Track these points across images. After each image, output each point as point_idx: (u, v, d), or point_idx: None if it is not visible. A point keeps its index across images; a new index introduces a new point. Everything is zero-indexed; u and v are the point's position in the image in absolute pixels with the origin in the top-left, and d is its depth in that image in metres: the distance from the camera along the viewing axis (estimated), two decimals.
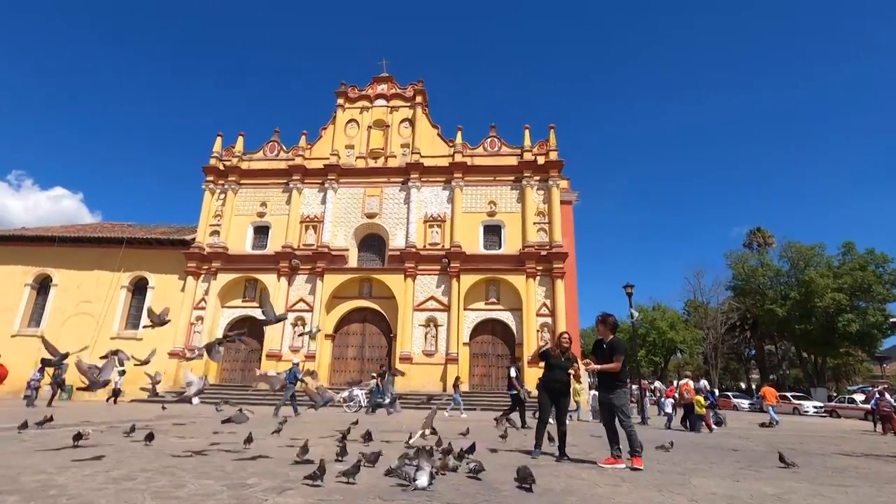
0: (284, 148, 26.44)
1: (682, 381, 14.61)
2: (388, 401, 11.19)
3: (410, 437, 6.25)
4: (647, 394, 20.70)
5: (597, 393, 15.27)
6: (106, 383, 5.52)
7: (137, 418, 9.96)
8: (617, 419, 5.56)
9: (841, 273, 32.20)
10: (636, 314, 28.75)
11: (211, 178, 25.33)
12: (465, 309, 22.25)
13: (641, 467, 5.14)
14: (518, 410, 11.69)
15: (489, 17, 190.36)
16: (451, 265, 22.46)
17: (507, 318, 22.28)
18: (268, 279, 23.25)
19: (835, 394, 35.35)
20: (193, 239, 23.96)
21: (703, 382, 15.12)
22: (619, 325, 6.38)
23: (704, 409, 13.23)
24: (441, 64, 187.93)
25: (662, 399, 19.46)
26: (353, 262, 24.15)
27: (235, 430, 7.75)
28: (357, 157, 25.86)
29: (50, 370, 16.24)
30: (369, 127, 26.47)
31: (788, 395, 28.93)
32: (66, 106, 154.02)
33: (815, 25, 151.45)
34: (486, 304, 22.59)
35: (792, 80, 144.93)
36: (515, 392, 11.83)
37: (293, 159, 25.62)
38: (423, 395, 18.53)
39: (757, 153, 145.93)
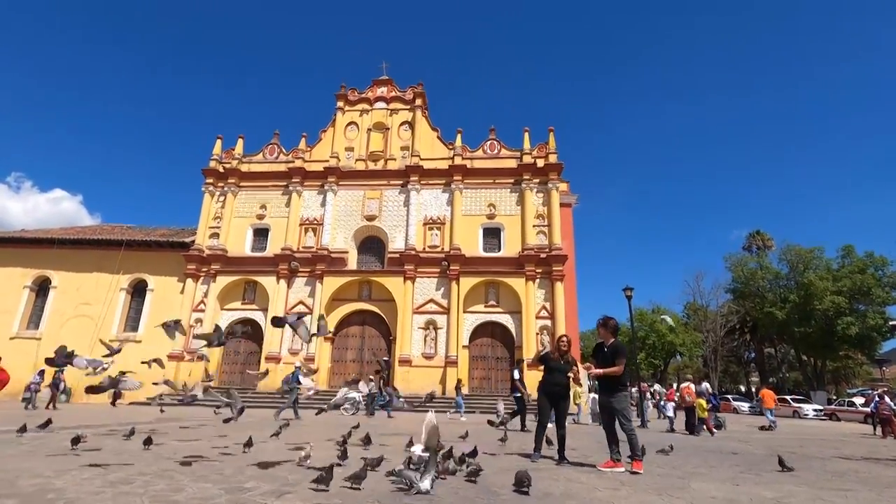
0: (284, 150, 26.48)
1: (683, 385, 14.58)
2: (394, 400, 11.04)
3: (411, 444, 6.21)
4: (647, 397, 20.68)
5: (596, 396, 15.26)
6: (116, 384, 5.48)
7: (136, 421, 9.93)
8: (617, 422, 5.55)
9: (840, 276, 32.22)
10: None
11: (210, 181, 25.35)
12: (464, 311, 22.25)
13: (641, 471, 5.13)
14: (519, 413, 11.66)
15: (488, 17, 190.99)
16: (451, 268, 22.46)
17: (506, 320, 22.27)
18: (267, 281, 23.25)
19: (834, 397, 35.30)
20: (193, 241, 23.96)
21: (706, 385, 15.09)
22: (619, 328, 6.36)
23: (707, 413, 13.22)
24: (441, 66, 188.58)
25: (663, 403, 19.45)
26: (352, 264, 24.15)
27: (235, 433, 7.74)
28: (357, 160, 25.89)
29: (51, 371, 16.22)
30: (369, 129, 26.51)
31: (788, 398, 28.91)
32: (66, 108, 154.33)
33: (815, 25, 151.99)
34: (485, 306, 22.59)
35: (792, 80, 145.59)
36: (519, 394, 11.80)
37: (293, 162, 25.66)
38: (421, 398, 18.46)
39: (757, 154, 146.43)
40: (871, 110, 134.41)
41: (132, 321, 23.71)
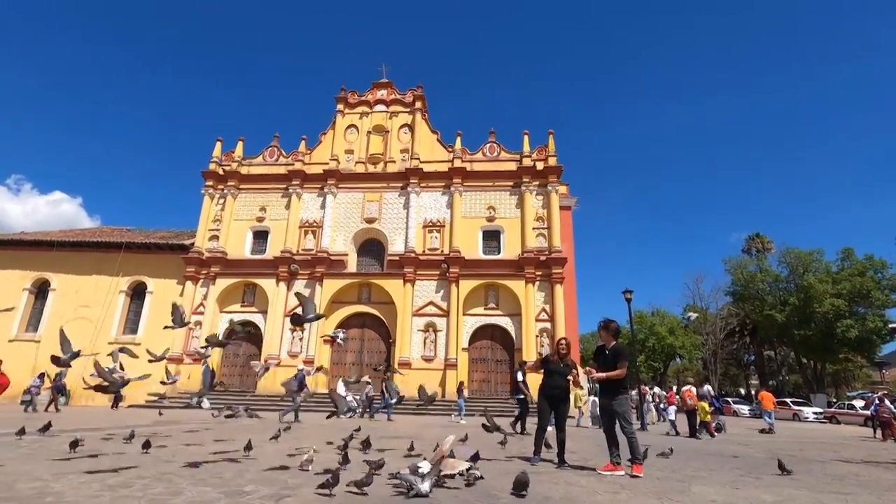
0: (284, 153, 26.52)
1: (684, 388, 14.57)
2: (393, 401, 10.93)
3: (412, 448, 6.19)
4: (647, 399, 20.66)
5: (596, 399, 15.23)
6: (125, 384, 5.42)
7: (135, 424, 9.91)
8: (618, 425, 5.53)
9: (840, 279, 32.24)
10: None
11: (210, 183, 25.36)
12: (464, 314, 22.24)
13: (641, 475, 5.12)
14: (521, 415, 11.64)
15: (488, 18, 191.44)
16: (451, 270, 22.46)
17: (506, 323, 22.27)
18: (267, 284, 23.25)
19: (834, 400, 35.33)
20: (192, 244, 23.95)
21: (708, 388, 15.08)
22: (621, 330, 6.35)
23: (709, 416, 13.23)
24: (440, 66, 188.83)
25: (663, 406, 19.43)
26: (352, 267, 24.14)
27: (235, 436, 7.72)
28: (356, 163, 25.92)
29: (52, 374, 16.18)
30: (369, 132, 26.56)
31: (788, 401, 28.88)
32: (66, 109, 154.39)
33: (815, 25, 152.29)
34: (485, 309, 22.58)
35: (792, 80, 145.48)
36: (523, 396, 11.76)
37: (293, 164, 25.68)
38: (421, 400, 18.47)
39: (756, 156, 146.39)
40: (871, 110, 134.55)
41: (131, 323, 23.68)
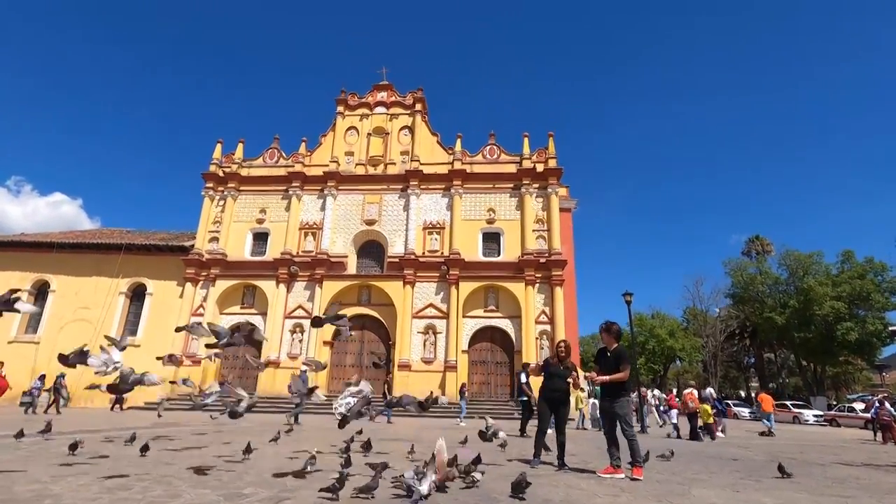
0: (284, 155, 26.55)
1: (686, 391, 14.58)
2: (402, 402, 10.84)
3: (412, 451, 6.16)
4: (648, 402, 20.64)
5: (596, 402, 15.22)
6: (137, 383, 5.38)
7: (135, 426, 9.90)
8: (619, 428, 5.52)
9: (840, 281, 32.23)
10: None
11: (210, 185, 25.39)
12: (463, 316, 22.22)
13: (641, 478, 5.11)
14: (524, 417, 11.61)
15: (488, 18, 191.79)
16: (450, 272, 22.46)
17: (505, 325, 22.25)
18: (266, 286, 23.24)
19: (834, 402, 35.26)
20: (192, 245, 23.96)
21: (710, 391, 15.09)
22: (623, 332, 6.34)
23: (712, 418, 13.23)
24: (441, 69, 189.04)
25: (664, 408, 19.41)
26: (352, 268, 24.15)
27: (234, 438, 7.70)
28: (356, 165, 25.95)
29: (51, 376, 16.15)
30: (369, 134, 26.59)
31: (788, 403, 28.86)
32: (66, 109, 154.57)
33: (815, 25, 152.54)
34: (484, 311, 22.57)
35: (792, 80, 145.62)
36: (526, 398, 11.73)
37: (293, 166, 25.71)
38: (417, 406, 18.42)
39: (756, 157, 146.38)
40: (871, 110, 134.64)
41: (131, 325, 23.65)
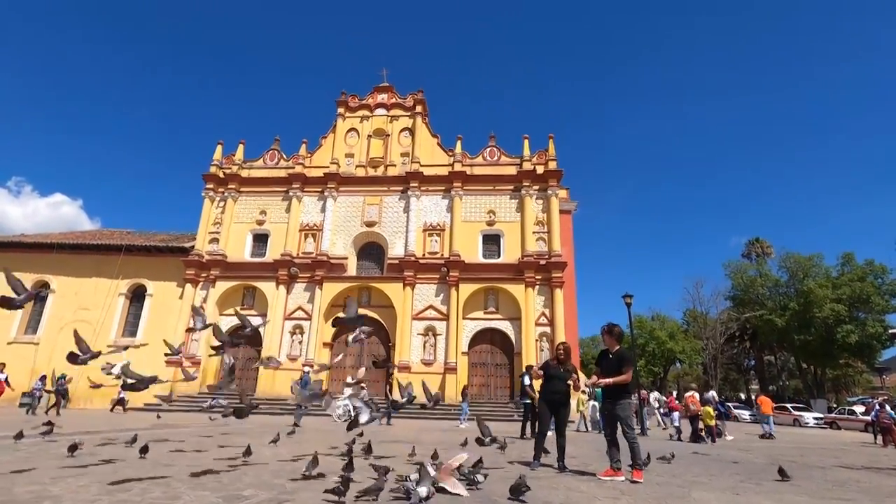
0: (284, 156, 26.57)
1: (687, 394, 14.59)
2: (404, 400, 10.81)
3: (413, 454, 6.12)
4: (652, 404, 20.62)
5: (596, 404, 15.19)
6: (153, 381, 5.35)
7: (134, 427, 9.89)
8: (620, 430, 5.51)
9: (840, 284, 32.25)
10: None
11: (211, 186, 25.40)
12: (463, 318, 22.21)
13: (641, 480, 5.10)
14: (526, 419, 11.59)
15: (488, 18, 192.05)
16: (450, 274, 22.45)
17: (505, 327, 22.23)
18: (266, 287, 23.23)
19: (835, 405, 35.22)
20: (192, 246, 23.96)
21: (713, 393, 15.12)
22: (625, 335, 6.30)
23: (714, 421, 13.23)
24: (441, 71, 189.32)
25: (664, 410, 19.39)
26: (351, 270, 24.14)
27: (234, 440, 7.69)
28: (357, 166, 25.96)
29: (52, 376, 16.12)
30: (369, 136, 26.62)
31: (788, 406, 28.83)
32: (66, 110, 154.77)
33: (815, 25, 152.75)
34: (484, 313, 22.55)
35: (792, 80, 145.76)
36: (529, 401, 11.70)
37: (293, 168, 25.73)
38: (419, 404, 18.43)
39: (756, 158, 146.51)
40: (871, 110, 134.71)
41: (131, 326, 23.65)
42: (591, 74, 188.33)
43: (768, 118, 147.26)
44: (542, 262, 22.32)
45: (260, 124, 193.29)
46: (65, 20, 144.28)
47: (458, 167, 24.68)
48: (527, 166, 24.48)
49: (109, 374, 5.46)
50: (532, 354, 20.62)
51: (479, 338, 22.37)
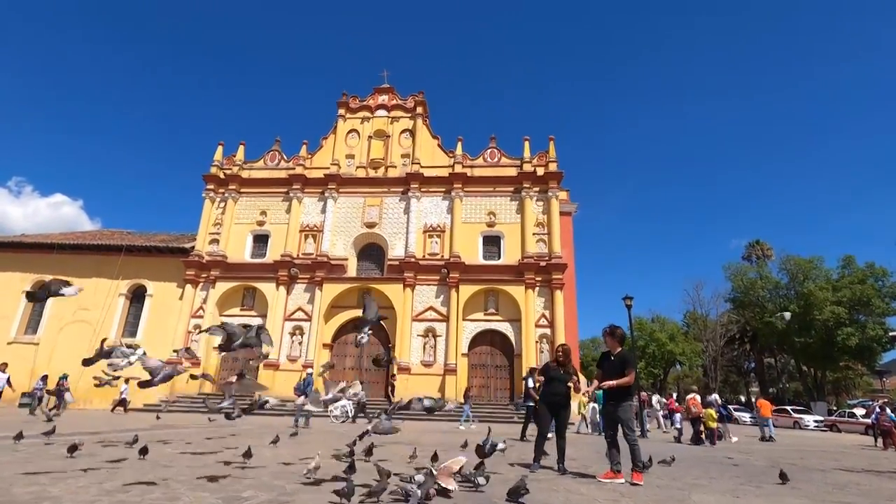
0: (285, 157, 26.60)
1: (689, 396, 14.59)
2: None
3: (414, 456, 6.10)
4: (653, 405, 20.61)
5: (596, 406, 15.15)
6: (169, 377, 5.31)
7: (134, 428, 9.88)
8: (621, 432, 5.50)
9: (840, 286, 32.21)
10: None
11: (211, 187, 25.43)
12: (463, 319, 22.21)
13: (641, 483, 5.09)
14: (527, 421, 11.58)
15: (489, 21, 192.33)
16: (451, 275, 22.45)
17: (505, 328, 22.23)
18: (266, 288, 23.24)
19: (835, 408, 35.17)
20: (192, 247, 23.98)
21: (715, 396, 15.13)
22: (626, 337, 6.28)
23: (716, 424, 13.22)
24: (442, 72, 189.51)
25: (664, 412, 19.37)
26: (352, 271, 24.15)
27: (234, 441, 7.69)
28: (357, 167, 25.99)
29: (53, 378, 16.14)
30: (370, 137, 26.65)
31: (789, 408, 28.80)
32: (66, 110, 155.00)
33: (815, 25, 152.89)
34: (484, 314, 22.55)
35: (792, 81, 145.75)
36: (532, 403, 11.67)
37: (294, 168, 25.76)
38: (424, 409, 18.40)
39: (756, 158, 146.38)
40: (871, 110, 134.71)
41: (131, 326, 23.67)
42: (592, 74, 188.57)
43: (768, 119, 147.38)
44: (543, 263, 22.33)
45: (260, 125, 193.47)
46: (65, 20, 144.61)
47: (458, 169, 24.71)
48: (527, 168, 24.50)
49: (122, 364, 5.39)
50: (532, 356, 20.61)
51: (479, 339, 22.37)
